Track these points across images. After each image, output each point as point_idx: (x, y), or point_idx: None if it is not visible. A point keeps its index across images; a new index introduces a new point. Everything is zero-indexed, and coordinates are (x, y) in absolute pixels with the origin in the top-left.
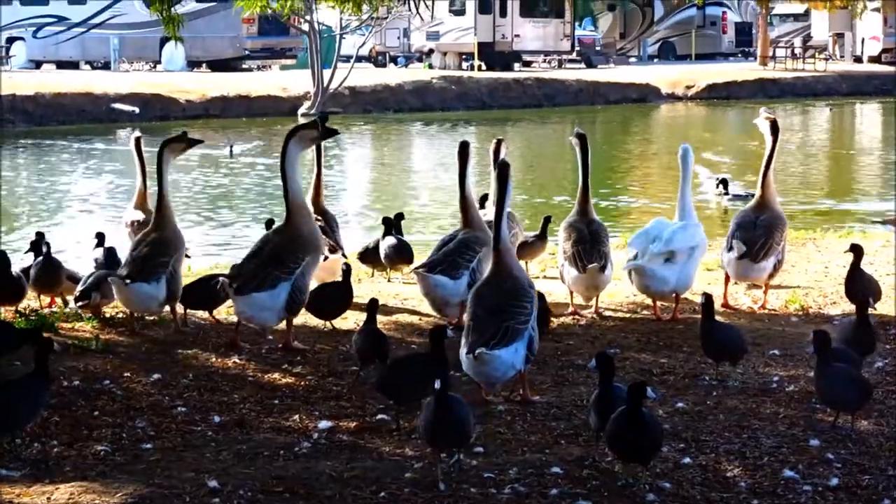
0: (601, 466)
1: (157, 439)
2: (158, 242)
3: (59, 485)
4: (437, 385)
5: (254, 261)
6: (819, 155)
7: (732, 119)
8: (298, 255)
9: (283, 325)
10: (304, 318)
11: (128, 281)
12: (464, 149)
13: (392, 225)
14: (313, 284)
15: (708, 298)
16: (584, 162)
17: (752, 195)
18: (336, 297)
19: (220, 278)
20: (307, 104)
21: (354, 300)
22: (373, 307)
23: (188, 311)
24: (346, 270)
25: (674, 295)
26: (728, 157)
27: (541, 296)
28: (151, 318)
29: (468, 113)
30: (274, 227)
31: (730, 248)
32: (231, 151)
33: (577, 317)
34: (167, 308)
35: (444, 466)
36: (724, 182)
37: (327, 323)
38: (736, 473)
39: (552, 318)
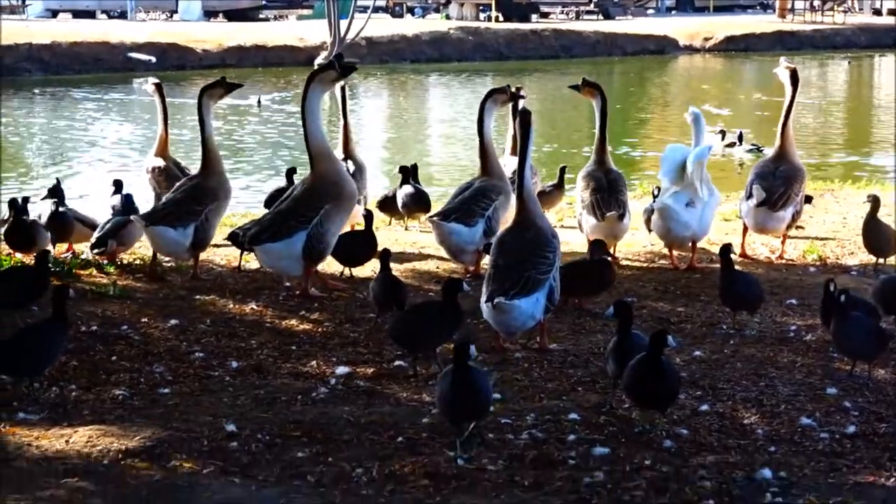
0: (618, 413)
1: (175, 384)
2: (197, 189)
3: (77, 428)
4: (455, 354)
5: (274, 211)
6: (837, 108)
7: (750, 72)
8: (317, 203)
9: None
10: (323, 265)
11: (146, 221)
12: (485, 98)
13: (410, 174)
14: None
15: (727, 248)
16: (602, 111)
17: (761, 148)
18: (361, 244)
19: (236, 230)
20: (324, 54)
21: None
22: (385, 256)
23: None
24: (368, 218)
25: (691, 243)
26: (740, 111)
27: (607, 262)
28: (169, 264)
29: (485, 64)
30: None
31: (748, 196)
32: (259, 102)
33: None
34: (171, 257)
35: (461, 439)
36: (723, 133)
37: (346, 270)
38: (753, 421)
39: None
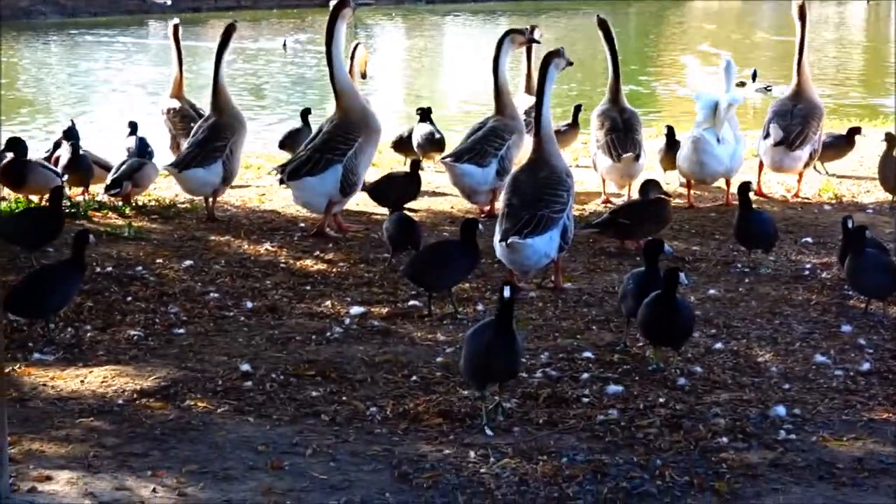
0: (632, 352)
1: (190, 324)
2: (215, 127)
3: (92, 368)
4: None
5: (307, 147)
6: (856, 49)
7: (766, 12)
8: (350, 136)
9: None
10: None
11: (176, 168)
12: (502, 38)
13: (426, 115)
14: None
15: (746, 186)
16: (612, 49)
17: (769, 87)
18: (404, 186)
19: (275, 167)
20: None
21: None
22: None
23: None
24: (416, 164)
25: (725, 180)
26: (756, 53)
27: (664, 200)
28: (184, 205)
29: (501, 4)
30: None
31: (766, 136)
32: (285, 45)
33: (609, 204)
34: (202, 196)
35: (487, 405)
36: (742, 84)
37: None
38: (767, 358)
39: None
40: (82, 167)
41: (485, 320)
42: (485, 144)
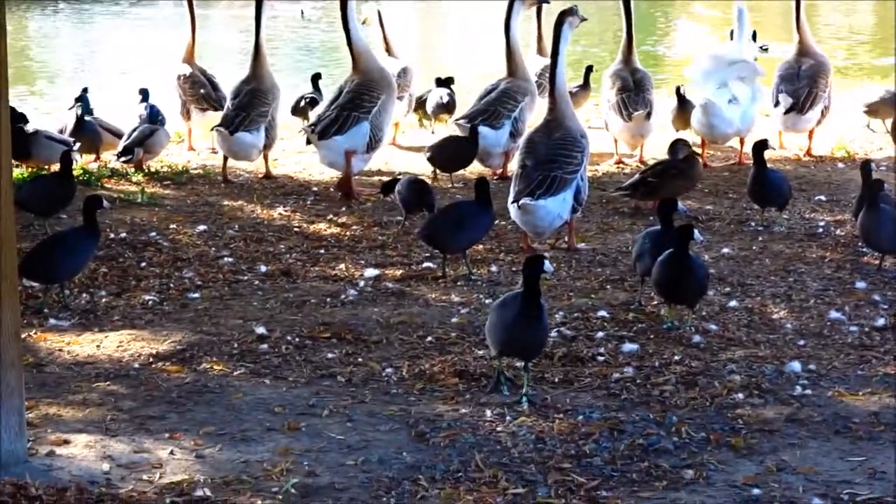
0: (647, 310)
1: (204, 289)
2: (257, 93)
3: (108, 333)
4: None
5: (331, 107)
6: (863, 7)
7: None
8: (374, 93)
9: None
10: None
11: (227, 130)
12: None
13: (445, 83)
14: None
15: (761, 145)
16: (627, 9)
17: (765, 47)
18: (461, 150)
19: (303, 126)
20: None
21: None
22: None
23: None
24: (474, 131)
25: (739, 139)
26: (753, 14)
27: (693, 159)
28: (196, 171)
29: None
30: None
31: (776, 103)
32: (302, 14)
33: (621, 165)
34: (212, 161)
35: (506, 375)
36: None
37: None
38: (782, 315)
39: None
40: (88, 132)
41: (512, 292)
42: (498, 106)
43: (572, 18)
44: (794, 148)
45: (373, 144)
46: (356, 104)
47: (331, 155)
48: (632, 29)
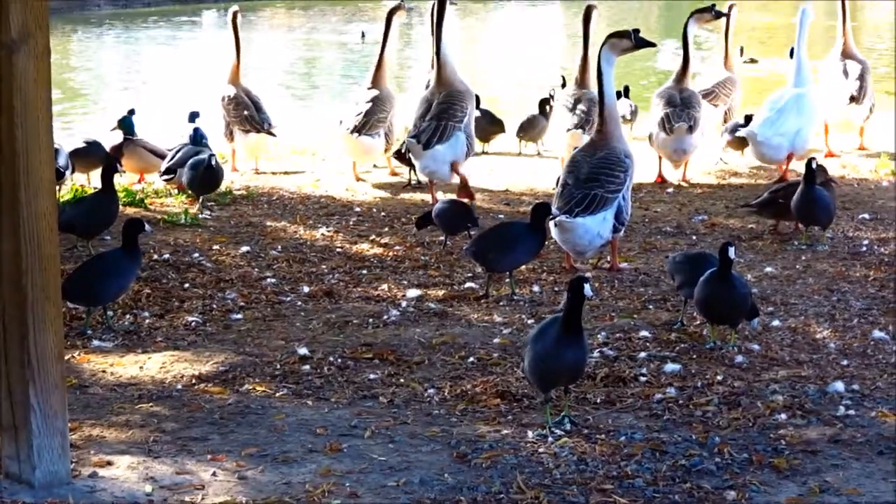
0: (689, 330)
1: (247, 310)
2: (378, 100)
3: (150, 354)
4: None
5: (425, 120)
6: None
7: None
8: (462, 104)
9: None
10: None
11: (351, 131)
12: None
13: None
14: None
15: (811, 163)
16: (685, 38)
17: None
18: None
19: (406, 139)
20: None
21: None
22: None
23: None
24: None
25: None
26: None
27: (827, 184)
28: (239, 192)
29: None
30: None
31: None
32: (363, 35)
33: (662, 183)
34: (255, 182)
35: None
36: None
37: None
38: (825, 335)
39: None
40: (89, 154)
41: (549, 318)
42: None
43: (616, 41)
44: (842, 157)
45: (469, 152)
46: (450, 114)
47: (433, 164)
48: (688, 55)
